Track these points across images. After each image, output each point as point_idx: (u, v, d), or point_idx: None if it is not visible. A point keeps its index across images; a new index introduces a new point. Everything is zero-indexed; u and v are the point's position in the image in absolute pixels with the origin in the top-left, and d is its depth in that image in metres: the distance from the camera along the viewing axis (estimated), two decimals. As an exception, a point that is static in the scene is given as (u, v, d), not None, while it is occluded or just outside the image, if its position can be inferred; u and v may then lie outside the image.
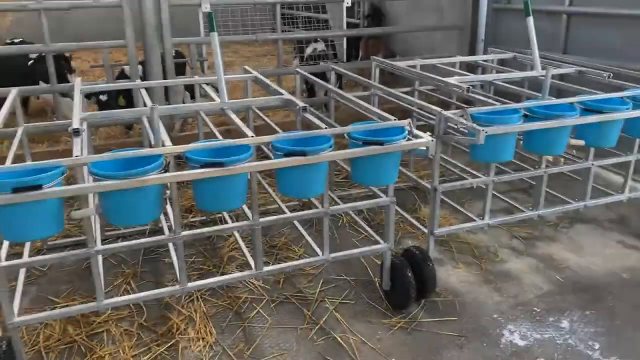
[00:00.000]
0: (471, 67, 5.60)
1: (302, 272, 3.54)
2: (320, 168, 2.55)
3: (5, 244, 2.66)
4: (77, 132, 2.54)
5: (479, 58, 4.94)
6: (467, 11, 6.29)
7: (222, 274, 3.50)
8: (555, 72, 3.85)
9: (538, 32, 3.92)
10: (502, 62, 4.88)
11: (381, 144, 2.52)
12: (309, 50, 6.47)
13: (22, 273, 2.94)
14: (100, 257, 3.21)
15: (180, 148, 2.35)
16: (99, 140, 5.61)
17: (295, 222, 3.46)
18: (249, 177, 2.56)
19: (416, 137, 2.67)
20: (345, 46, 6.80)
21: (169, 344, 2.90)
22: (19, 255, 3.16)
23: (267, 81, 3.57)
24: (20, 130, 3.32)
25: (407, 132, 2.67)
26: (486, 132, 2.72)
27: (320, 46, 6.52)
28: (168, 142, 2.51)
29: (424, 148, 2.61)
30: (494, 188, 3.44)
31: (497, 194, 3.94)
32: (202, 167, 2.27)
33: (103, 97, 5.41)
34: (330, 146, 2.52)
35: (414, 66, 4.30)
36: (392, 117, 2.81)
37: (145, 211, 2.29)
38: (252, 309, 3.19)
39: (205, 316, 3.11)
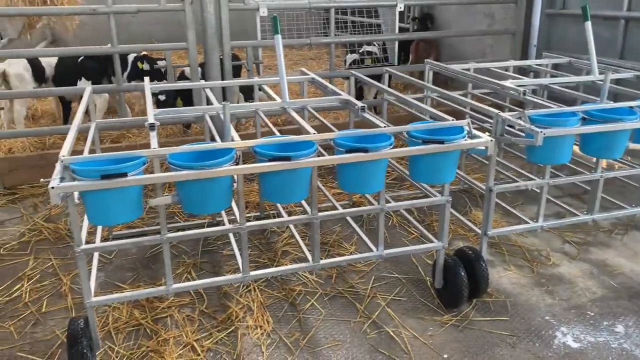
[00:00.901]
0: (523, 72, 5.58)
1: (353, 268, 3.64)
2: (380, 165, 2.65)
3: (84, 230, 2.86)
4: (152, 127, 2.72)
5: (532, 62, 4.93)
6: (520, 16, 6.27)
7: (277, 266, 3.63)
8: (614, 76, 3.83)
9: (595, 38, 3.90)
10: (556, 67, 4.86)
11: (441, 142, 2.60)
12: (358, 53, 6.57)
13: (95, 257, 3.14)
14: (167, 245, 3.42)
15: (250, 142, 2.49)
16: (159, 138, 5.86)
17: (349, 219, 3.55)
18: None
19: (475, 137, 2.73)
20: (397, 50, 6.88)
21: (229, 331, 3.04)
22: (91, 243, 3.38)
23: (325, 82, 3.69)
24: (93, 126, 3.54)
25: (466, 132, 2.73)
26: (544, 134, 2.75)
27: (373, 49, 6.60)
28: (237, 137, 2.66)
29: (483, 148, 2.66)
30: (547, 192, 3.45)
31: (550, 197, 3.94)
32: (270, 160, 2.40)
33: (162, 97, 5.64)
34: (391, 144, 2.61)
35: (467, 69, 4.34)
36: (450, 118, 2.88)
37: (217, 201, 2.44)
38: (307, 301, 3.31)
39: (262, 306, 3.24)
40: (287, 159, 2.40)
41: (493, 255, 3.79)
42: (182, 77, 5.68)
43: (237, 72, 6.25)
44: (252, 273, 2.83)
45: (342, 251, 3.86)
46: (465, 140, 2.68)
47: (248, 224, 2.72)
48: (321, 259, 3.70)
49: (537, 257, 3.78)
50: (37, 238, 4.08)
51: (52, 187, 2.14)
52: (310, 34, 6.88)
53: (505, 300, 3.30)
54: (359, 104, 3.07)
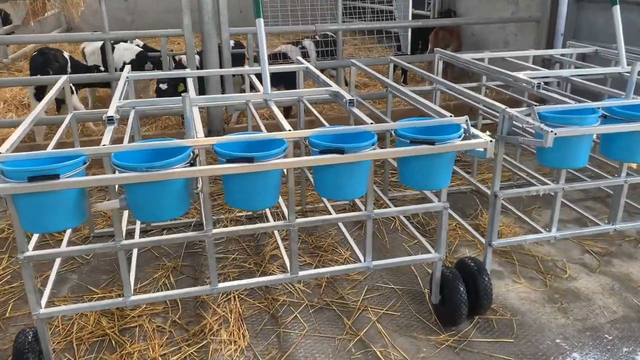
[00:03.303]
0: (548, 63, 5.15)
1: (345, 276, 3.32)
2: (360, 167, 2.31)
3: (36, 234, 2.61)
4: (111, 120, 2.44)
5: (555, 52, 4.50)
6: (546, 3, 5.80)
7: (263, 273, 3.35)
8: (644, 68, 3.39)
9: (627, 25, 3.47)
10: (582, 57, 4.41)
11: (432, 143, 2.24)
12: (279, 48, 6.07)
13: (57, 263, 2.89)
14: (135, 251, 3.16)
15: (211, 140, 2.18)
16: (155, 130, 5.63)
17: (341, 225, 3.23)
18: (285, 172, 2.37)
19: (474, 136, 2.37)
20: (410, 38, 6.46)
21: (200, 345, 2.77)
22: (61, 242, 3.14)
23: (317, 72, 3.35)
24: (68, 118, 3.30)
25: (463, 130, 2.37)
26: (555, 134, 2.37)
27: (288, 47, 6.01)
28: (201, 133, 2.36)
29: (481, 150, 2.30)
30: (565, 196, 3.06)
31: (568, 203, 3.54)
32: (229, 161, 2.09)
33: (163, 86, 5.38)
34: (373, 143, 2.27)
35: (482, 59, 3.94)
36: (448, 114, 2.53)
37: (169, 206, 2.14)
38: (290, 313, 3.01)
39: (240, 318, 2.96)
40: (250, 160, 2.09)
41: (502, 265, 3.43)
42: (180, 65, 5.42)
43: (242, 61, 5.96)
44: (221, 285, 2.54)
45: (336, 257, 3.55)
46: (462, 140, 2.32)
47: (215, 230, 2.42)
48: (311, 265, 3.44)
49: (551, 268, 3.40)
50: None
51: (-25, 190, 1.88)
52: (316, 21, 6.51)
53: (511, 318, 2.94)
54: (347, 96, 2.73)
